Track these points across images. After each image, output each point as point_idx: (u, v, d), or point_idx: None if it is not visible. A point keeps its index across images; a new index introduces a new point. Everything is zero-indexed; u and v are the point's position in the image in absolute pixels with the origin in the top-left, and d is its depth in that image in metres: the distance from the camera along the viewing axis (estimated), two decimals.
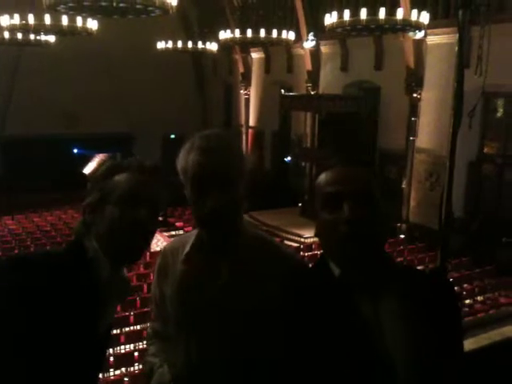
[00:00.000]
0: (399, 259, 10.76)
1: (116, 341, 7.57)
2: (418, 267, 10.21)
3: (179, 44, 14.91)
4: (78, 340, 1.29)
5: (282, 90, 17.62)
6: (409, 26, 9.29)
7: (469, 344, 3.33)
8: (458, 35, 3.06)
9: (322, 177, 1.34)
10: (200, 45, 15.16)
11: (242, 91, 20.10)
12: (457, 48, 2.97)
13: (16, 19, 10.22)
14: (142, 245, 1.41)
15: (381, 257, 1.32)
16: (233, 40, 13.19)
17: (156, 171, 1.43)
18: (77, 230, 1.41)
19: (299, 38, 15.15)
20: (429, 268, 10.25)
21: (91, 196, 1.40)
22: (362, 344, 1.24)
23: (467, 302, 9.16)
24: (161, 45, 15.10)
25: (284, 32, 12.95)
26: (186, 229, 14.59)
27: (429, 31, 11.55)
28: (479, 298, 9.45)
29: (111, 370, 6.94)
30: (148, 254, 11.81)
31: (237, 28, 13.31)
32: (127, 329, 8.13)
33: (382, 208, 1.30)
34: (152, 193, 1.40)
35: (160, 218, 1.47)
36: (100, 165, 19.52)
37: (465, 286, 9.73)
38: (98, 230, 1.37)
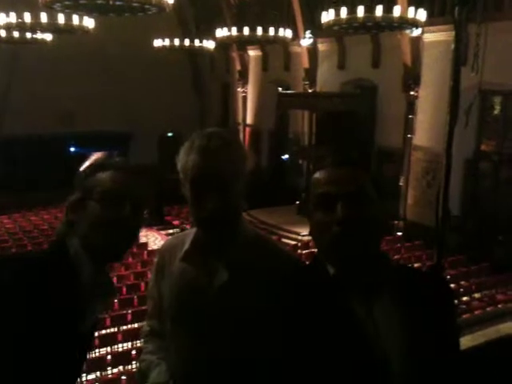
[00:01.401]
0: (396, 257, 10.79)
1: (113, 339, 7.58)
2: (415, 265, 10.24)
3: (176, 42, 14.84)
4: (56, 338, 1.28)
5: (280, 88, 17.61)
6: (406, 23, 9.31)
7: (466, 341, 3.33)
8: (454, 33, 3.06)
9: (316, 177, 1.33)
10: (197, 43, 15.08)
11: (239, 89, 20.07)
12: (453, 45, 2.97)
13: (12, 17, 10.19)
14: (123, 243, 1.39)
15: (375, 256, 1.31)
16: (230, 38, 13.17)
17: (141, 171, 1.41)
18: (59, 229, 1.40)
19: (296, 36, 15.12)
20: (426, 265, 10.26)
21: (74, 194, 1.39)
22: (357, 343, 1.24)
23: (464, 299, 9.18)
24: (157, 43, 15.04)
25: (281, 30, 12.93)
26: (182, 227, 14.58)
27: (425, 29, 11.55)
28: (476, 296, 9.48)
29: (109, 368, 6.95)
30: (145, 252, 11.82)
31: (234, 26, 13.27)
32: (125, 327, 8.13)
33: (376, 207, 1.29)
34: (135, 191, 1.38)
35: (145, 217, 1.44)
36: None
37: (462, 283, 9.75)
38: (80, 228, 1.36)
